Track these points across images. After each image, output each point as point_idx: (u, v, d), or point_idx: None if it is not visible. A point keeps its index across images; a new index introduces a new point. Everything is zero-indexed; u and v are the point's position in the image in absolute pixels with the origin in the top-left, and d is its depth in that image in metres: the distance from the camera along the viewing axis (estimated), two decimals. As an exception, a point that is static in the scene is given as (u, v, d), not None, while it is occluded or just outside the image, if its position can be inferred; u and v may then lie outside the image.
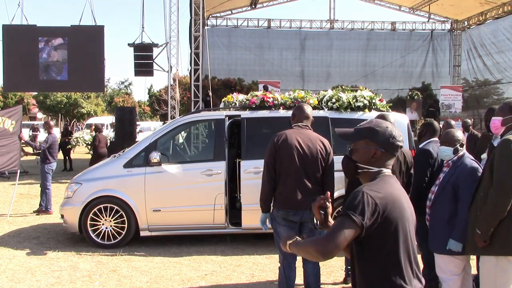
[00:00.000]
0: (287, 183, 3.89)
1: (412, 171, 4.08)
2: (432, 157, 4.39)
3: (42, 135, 19.56)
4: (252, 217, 6.21)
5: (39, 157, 9.07)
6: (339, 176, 6.06)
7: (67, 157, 15.87)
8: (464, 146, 3.79)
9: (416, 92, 22.38)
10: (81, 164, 15.13)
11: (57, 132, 20.92)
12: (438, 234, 3.65)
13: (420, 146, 4.75)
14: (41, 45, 14.57)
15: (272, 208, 4.02)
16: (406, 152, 4.09)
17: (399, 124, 6.44)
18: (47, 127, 9.27)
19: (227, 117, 6.57)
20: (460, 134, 3.79)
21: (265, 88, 14.98)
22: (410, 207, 2.01)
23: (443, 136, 3.84)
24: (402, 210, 1.94)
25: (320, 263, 4.19)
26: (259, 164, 6.22)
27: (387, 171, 2.06)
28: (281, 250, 4.00)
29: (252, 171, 6.23)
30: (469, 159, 3.67)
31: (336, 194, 6.21)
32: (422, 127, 4.98)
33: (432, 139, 4.64)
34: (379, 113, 5.90)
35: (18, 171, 8.84)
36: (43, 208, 8.55)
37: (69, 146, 15.82)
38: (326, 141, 4.03)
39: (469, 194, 3.42)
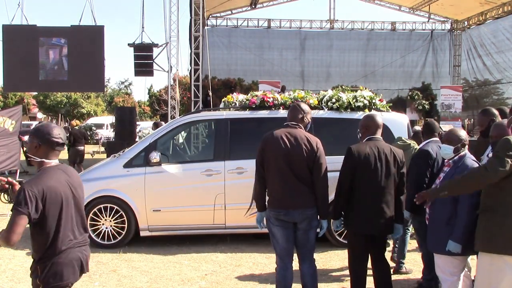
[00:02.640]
0: (275, 183, 3.87)
1: (403, 170, 4.02)
2: (431, 157, 4.39)
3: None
4: (236, 217, 6.23)
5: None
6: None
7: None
8: (467, 146, 3.77)
9: (417, 92, 22.37)
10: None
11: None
12: (437, 235, 3.65)
13: (420, 146, 4.75)
14: (41, 45, 14.57)
15: (267, 207, 4.01)
16: (397, 152, 4.03)
17: (399, 124, 6.45)
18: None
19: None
20: (463, 134, 3.76)
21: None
22: (66, 191, 2.75)
23: (445, 135, 3.84)
24: (57, 195, 2.68)
25: (320, 263, 4.18)
26: (242, 164, 6.26)
27: (48, 162, 2.78)
28: (277, 250, 3.99)
29: (235, 171, 6.24)
30: (470, 160, 3.66)
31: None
32: (422, 127, 4.99)
33: (431, 139, 4.64)
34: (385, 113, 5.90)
35: (18, 170, 8.84)
36: None
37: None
38: (314, 141, 3.93)
39: (469, 195, 3.41)
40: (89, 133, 15.34)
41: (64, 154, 15.88)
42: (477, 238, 3.27)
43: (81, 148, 13.13)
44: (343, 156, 4.10)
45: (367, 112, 6.62)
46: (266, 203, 4.00)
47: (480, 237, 3.24)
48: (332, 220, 4.12)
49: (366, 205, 3.94)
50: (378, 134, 4.09)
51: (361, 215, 3.97)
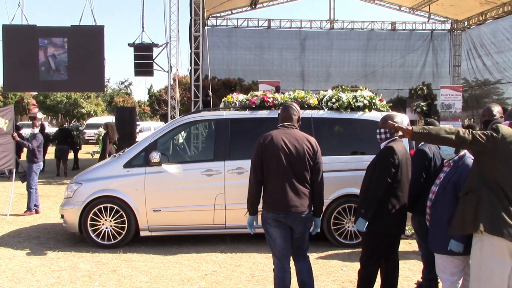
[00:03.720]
0: (276, 185, 3.83)
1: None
2: (427, 158, 4.40)
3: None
4: (236, 217, 6.24)
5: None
6: (340, 176, 6.15)
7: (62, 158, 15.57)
8: None
9: (422, 87, 22.33)
10: (82, 164, 15.12)
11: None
12: (438, 234, 3.65)
13: (419, 146, 4.76)
14: (41, 45, 14.56)
15: (262, 209, 3.97)
16: (408, 154, 4.13)
17: (399, 124, 6.44)
18: (33, 126, 9.24)
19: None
20: None
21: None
22: None
23: None
24: None
25: (320, 263, 4.18)
26: (242, 164, 6.27)
27: None
28: (274, 251, 3.99)
29: (235, 171, 6.24)
30: (470, 159, 3.66)
31: (337, 194, 6.25)
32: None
33: None
34: (386, 113, 5.89)
35: (14, 170, 8.80)
36: (38, 209, 8.53)
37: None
38: (313, 140, 3.96)
39: None
40: (75, 133, 15.70)
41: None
42: (459, 222, 3.29)
43: (63, 146, 14.28)
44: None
45: (367, 112, 6.63)
46: (261, 205, 3.96)
47: (460, 220, 3.26)
48: (358, 221, 3.98)
49: (400, 206, 3.98)
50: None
51: (397, 215, 3.98)
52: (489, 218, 3.10)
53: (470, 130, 3.20)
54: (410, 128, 3.30)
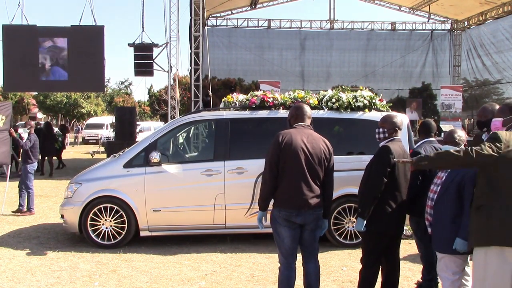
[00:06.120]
0: (291, 183, 3.84)
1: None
2: None
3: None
4: (235, 217, 6.24)
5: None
6: (340, 176, 6.14)
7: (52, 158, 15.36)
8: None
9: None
10: (82, 164, 15.12)
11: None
12: (442, 234, 3.64)
13: (414, 148, 4.77)
14: (41, 45, 14.57)
15: (272, 208, 3.97)
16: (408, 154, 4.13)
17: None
18: (28, 127, 9.22)
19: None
20: (463, 134, 3.81)
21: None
22: None
23: (446, 136, 3.86)
24: None
25: (320, 263, 4.18)
26: (242, 164, 6.27)
27: None
28: (282, 250, 3.99)
29: (235, 171, 6.25)
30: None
31: (337, 194, 6.25)
32: (419, 126, 5.02)
33: (425, 140, 4.66)
34: (386, 113, 5.89)
35: (9, 166, 8.77)
36: (24, 209, 8.46)
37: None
38: (327, 142, 4.02)
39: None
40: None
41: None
42: (471, 236, 3.28)
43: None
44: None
45: (367, 112, 6.63)
46: (272, 202, 3.96)
47: (474, 233, 3.24)
48: (357, 220, 4.02)
49: (397, 206, 3.98)
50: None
51: (395, 215, 3.98)
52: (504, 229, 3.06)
53: (471, 147, 3.17)
54: (410, 160, 3.48)
